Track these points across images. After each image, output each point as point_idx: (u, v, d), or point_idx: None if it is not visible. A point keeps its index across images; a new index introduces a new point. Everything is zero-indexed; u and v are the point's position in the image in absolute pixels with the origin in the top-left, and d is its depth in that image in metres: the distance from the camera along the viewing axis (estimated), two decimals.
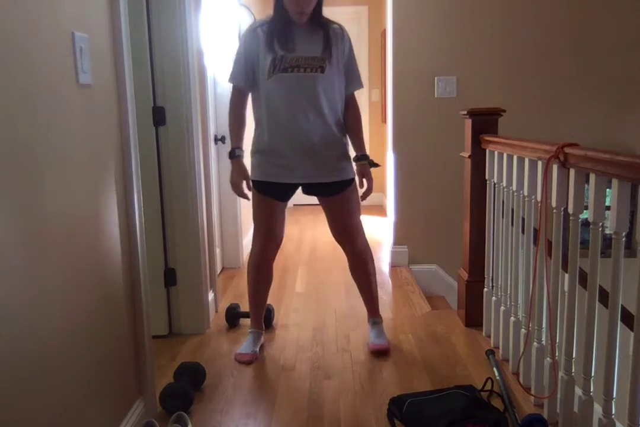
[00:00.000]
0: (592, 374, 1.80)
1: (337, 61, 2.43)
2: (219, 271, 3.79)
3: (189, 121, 2.70)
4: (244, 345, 2.65)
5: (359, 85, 2.55)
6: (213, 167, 3.55)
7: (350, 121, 2.55)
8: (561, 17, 3.70)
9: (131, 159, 1.89)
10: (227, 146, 3.93)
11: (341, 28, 2.49)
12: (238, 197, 4.06)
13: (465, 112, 2.77)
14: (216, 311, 3.16)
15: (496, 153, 2.55)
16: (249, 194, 2.55)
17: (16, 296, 1.24)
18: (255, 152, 2.51)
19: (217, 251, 3.65)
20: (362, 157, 2.55)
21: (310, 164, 2.45)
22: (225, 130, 3.93)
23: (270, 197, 2.51)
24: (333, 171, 2.48)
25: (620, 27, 3.70)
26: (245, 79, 2.45)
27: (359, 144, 2.57)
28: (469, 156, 2.80)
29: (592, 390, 1.81)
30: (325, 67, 2.39)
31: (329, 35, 2.42)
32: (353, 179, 2.55)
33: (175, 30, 2.62)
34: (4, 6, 1.21)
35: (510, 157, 2.37)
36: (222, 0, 3.86)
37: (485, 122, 2.74)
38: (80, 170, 1.56)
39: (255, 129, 2.52)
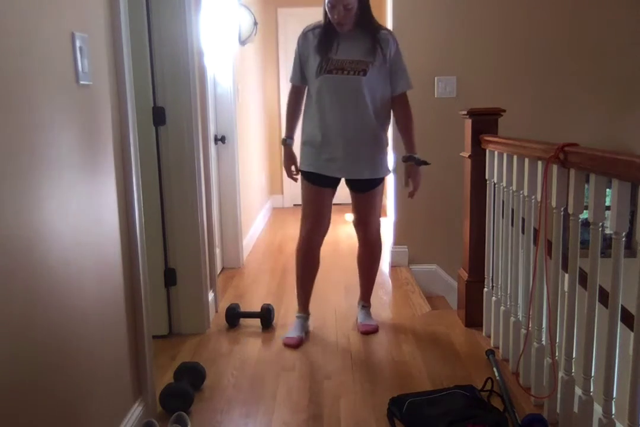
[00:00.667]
0: (592, 374, 1.80)
1: (381, 64, 2.58)
2: (219, 271, 3.79)
3: (189, 121, 2.70)
4: (291, 330, 2.82)
5: (408, 86, 2.68)
6: (213, 167, 3.55)
7: (400, 120, 2.73)
8: (561, 17, 3.70)
9: (131, 159, 1.89)
10: (228, 146, 3.97)
11: (389, 33, 2.63)
12: (238, 197, 4.09)
13: (465, 112, 2.77)
14: (216, 311, 3.16)
15: (496, 153, 2.55)
16: (298, 177, 2.77)
17: (15, 295, 1.24)
18: (303, 143, 2.71)
19: (217, 251, 3.65)
20: (409, 158, 2.71)
21: (350, 159, 2.64)
22: (225, 130, 3.94)
23: (317, 185, 2.70)
24: (369, 168, 2.67)
25: (620, 27, 3.70)
26: (299, 78, 2.70)
27: (408, 144, 2.74)
28: (469, 156, 2.80)
29: (592, 390, 1.81)
30: (368, 70, 2.55)
31: (375, 40, 2.56)
32: (384, 178, 2.76)
33: (175, 30, 2.62)
34: (4, 6, 1.21)
35: (510, 157, 2.37)
36: (222, 0, 3.86)
37: (485, 122, 2.74)
38: (80, 170, 1.56)
39: (304, 122, 2.73)
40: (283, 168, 2.80)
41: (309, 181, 2.71)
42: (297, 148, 2.75)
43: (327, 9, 2.51)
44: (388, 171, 2.76)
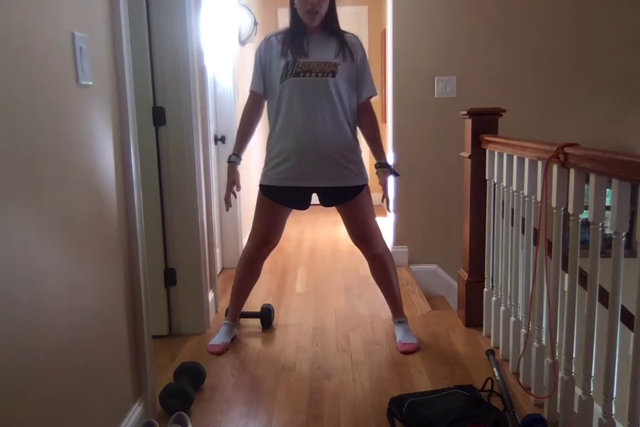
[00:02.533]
0: (592, 374, 1.80)
1: (348, 68, 2.46)
2: (219, 271, 3.79)
3: (189, 121, 2.70)
4: (216, 337, 2.73)
5: (373, 92, 2.55)
6: (213, 167, 3.55)
7: (366, 128, 2.58)
8: (561, 16, 3.71)
9: (131, 159, 1.89)
10: (227, 146, 3.96)
11: (355, 37, 2.54)
12: (238, 197, 4.07)
13: (465, 112, 2.77)
14: (216, 311, 3.16)
15: (496, 153, 2.54)
16: (234, 200, 2.65)
17: (16, 295, 1.24)
18: (268, 159, 2.56)
19: (217, 251, 3.65)
20: (384, 165, 2.56)
21: (322, 168, 2.47)
22: (225, 130, 3.94)
23: (276, 201, 2.56)
24: (346, 176, 2.50)
25: (621, 27, 3.70)
26: (261, 85, 2.52)
27: (378, 151, 2.60)
28: (469, 156, 2.80)
29: (592, 390, 1.81)
30: (337, 72, 2.42)
31: (342, 42, 2.47)
32: (366, 184, 2.57)
33: (175, 30, 2.62)
34: (3, 6, 1.21)
35: (510, 157, 2.37)
36: (222, 0, 3.86)
37: (485, 122, 2.74)
38: (80, 170, 1.56)
39: (269, 137, 2.57)
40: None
41: (265, 195, 2.56)
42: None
43: (297, 2, 2.39)
44: (366, 179, 2.56)
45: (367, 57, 2.57)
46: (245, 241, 4.32)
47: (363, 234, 2.64)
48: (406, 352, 2.61)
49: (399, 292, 2.81)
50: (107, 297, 1.74)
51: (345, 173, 2.50)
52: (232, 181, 2.62)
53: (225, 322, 2.80)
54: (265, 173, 2.57)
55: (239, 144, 2.62)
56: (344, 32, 2.52)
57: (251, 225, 2.73)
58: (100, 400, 1.68)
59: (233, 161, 2.61)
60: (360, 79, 2.51)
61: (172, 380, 2.28)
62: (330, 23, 2.46)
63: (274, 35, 2.51)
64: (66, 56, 1.49)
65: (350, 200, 2.55)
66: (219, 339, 2.71)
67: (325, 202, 2.58)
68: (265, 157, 2.59)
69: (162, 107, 2.66)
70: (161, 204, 2.74)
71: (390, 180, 2.79)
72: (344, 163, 2.48)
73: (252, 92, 2.57)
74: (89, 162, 1.62)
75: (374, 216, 2.66)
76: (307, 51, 2.42)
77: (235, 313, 2.83)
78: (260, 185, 2.59)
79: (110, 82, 1.77)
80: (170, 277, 2.81)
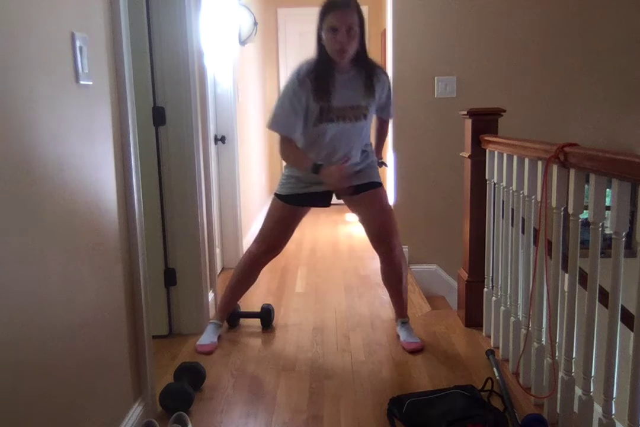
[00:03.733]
0: (592, 374, 1.80)
1: (376, 103, 2.54)
2: (219, 271, 3.79)
3: (189, 121, 2.69)
4: (203, 336, 2.72)
5: (392, 115, 2.76)
6: (213, 167, 3.55)
7: (379, 133, 2.83)
8: (561, 16, 3.71)
9: (131, 159, 1.89)
10: (227, 146, 3.97)
11: (383, 72, 2.56)
12: (238, 197, 4.05)
13: (465, 112, 2.77)
14: (216, 311, 3.15)
15: (496, 153, 2.55)
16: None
17: (16, 295, 1.24)
18: (289, 175, 2.59)
19: (217, 251, 3.65)
20: (381, 164, 2.78)
21: None
22: (225, 130, 3.94)
23: (298, 205, 2.60)
24: (365, 176, 2.58)
25: (621, 27, 3.70)
26: (298, 132, 2.45)
27: (378, 151, 2.83)
28: (469, 156, 2.80)
29: (592, 390, 1.81)
30: (368, 114, 2.51)
31: (371, 80, 2.47)
32: (381, 184, 2.64)
33: (175, 30, 2.62)
34: (3, 6, 1.21)
35: (510, 157, 2.37)
36: (222, 0, 3.86)
37: (485, 122, 2.74)
38: (80, 170, 1.56)
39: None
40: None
41: (284, 201, 2.59)
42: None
43: (325, 36, 2.33)
44: (380, 180, 2.63)
45: (391, 88, 2.64)
46: (245, 241, 4.34)
47: (382, 230, 2.61)
48: (413, 351, 2.62)
49: (406, 293, 2.81)
50: (107, 297, 1.74)
51: (365, 174, 2.59)
52: (338, 169, 2.36)
53: (212, 321, 2.81)
54: (284, 184, 2.60)
55: (307, 160, 2.43)
56: (374, 65, 2.50)
57: (258, 229, 2.74)
58: (100, 400, 1.68)
59: (321, 164, 2.38)
60: (386, 105, 2.63)
61: (172, 380, 2.28)
62: (360, 56, 2.43)
63: (306, 74, 2.39)
64: (66, 56, 1.49)
65: (365, 191, 2.57)
66: (207, 338, 2.71)
67: (350, 195, 2.58)
68: (285, 173, 2.61)
69: (162, 107, 2.66)
70: (161, 204, 2.74)
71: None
72: (363, 169, 2.60)
73: (285, 137, 2.46)
74: (89, 162, 1.62)
75: (393, 217, 2.66)
76: (338, 94, 2.41)
77: (224, 313, 2.85)
78: (279, 195, 2.61)
79: (110, 82, 1.77)
80: (170, 277, 2.81)
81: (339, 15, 2.30)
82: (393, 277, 2.73)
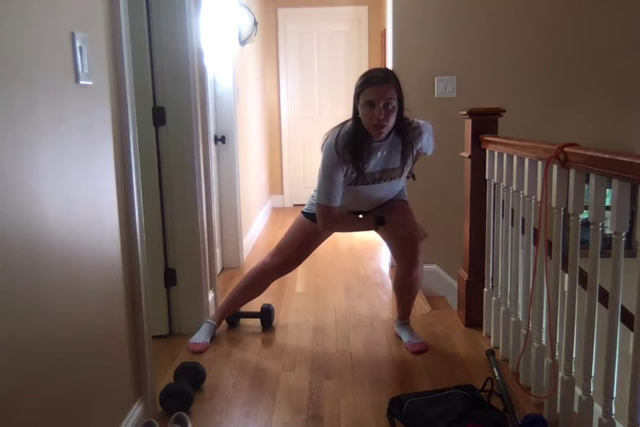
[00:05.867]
0: (592, 374, 1.80)
1: (413, 157, 2.50)
2: (219, 271, 3.79)
3: (189, 121, 2.69)
4: (197, 335, 2.73)
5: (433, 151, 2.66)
6: (213, 167, 3.55)
7: None
8: (561, 16, 3.70)
9: (131, 159, 1.88)
10: (227, 146, 3.96)
11: (418, 125, 2.46)
12: (238, 197, 4.05)
13: (465, 112, 2.77)
14: (215, 312, 3.15)
15: (496, 153, 2.55)
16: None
17: (16, 295, 1.24)
18: None
19: (217, 251, 3.65)
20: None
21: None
22: (225, 130, 3.94)
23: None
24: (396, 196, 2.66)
25: (621, 26, 3.69)
26: (340, 199, 2.45)
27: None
28: (469, 156, 2.80)
29: (592, 390, 1.81)
30: (403, 171, 2.51)
31: (407, 145, 2.41)
32: (407, 202, 2.69)
33: (175, 30, 2.62)
34: (3, 6, 1.21)
35: (510, 157, 2.37)
36: (222, 0, 3.86)
37: (485, 122, 2.74)
38: (80, 171, 1.56)
39: None
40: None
41: (313, 220, 2.58)
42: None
43: (362, 110, 2.29)
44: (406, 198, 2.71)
45: (431, 135, 2.55)
46: (245, 241, 4.34)
47: (411, 259, 2.58)
48: (418, 352, 2.61)
49: (414, 301, 2.82)
50: (107, 297, 1.74)
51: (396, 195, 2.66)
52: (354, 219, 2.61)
53: (208, 320, 2.81)
54: (314, 205, 2.56)
55: (357, 219, 2.63)
56: (411, 127, 2.43)
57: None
58: (100, 400, 1.68)
59: (381, 216, 2.50)
60: (426, 148, 2.57)
61: (172, 380, 2.28)
62: (398, 125, 2.36)
63: (344, 147, 2.35)
64: (66, 56, 1.49)
65: (391, 202, 2.62)
66: (199, 337, 2.71)
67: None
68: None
69: (162, 107, 2.66)
70: (161, 204, 2.74)
71: None
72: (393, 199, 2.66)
73: (331, 208, 2.46)
74: (88, 162, 1.62)
75: (421, 244, 2.60)
76: (374, 161, 2.41)
77: (222, 316, 2.86)
78: (307, 214, 2.64)
79: (110, 82, 1.77)
80: (170, 277, 2.81)
81: (377, 91, 2.25)
82: (406, 286, 2.71)
